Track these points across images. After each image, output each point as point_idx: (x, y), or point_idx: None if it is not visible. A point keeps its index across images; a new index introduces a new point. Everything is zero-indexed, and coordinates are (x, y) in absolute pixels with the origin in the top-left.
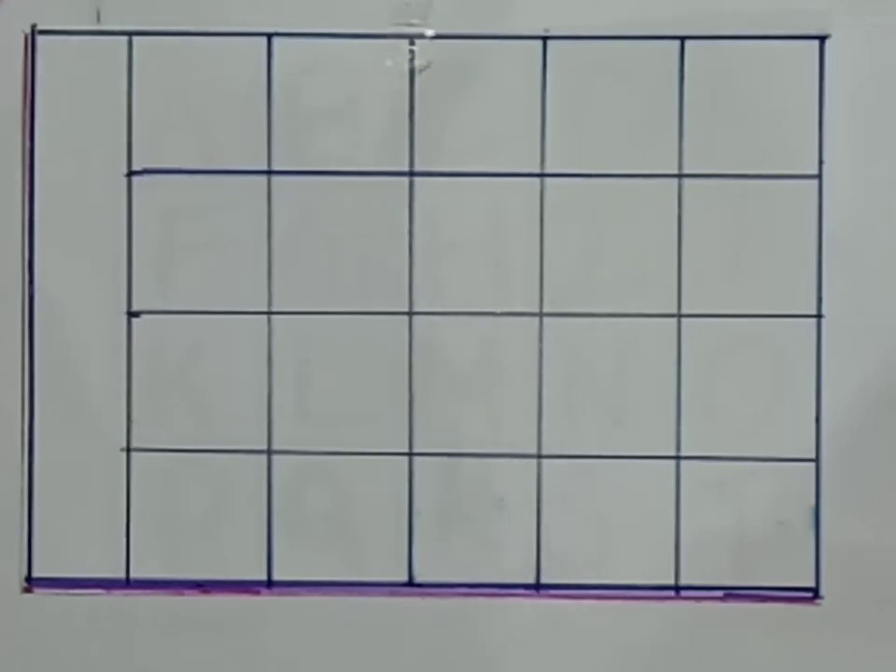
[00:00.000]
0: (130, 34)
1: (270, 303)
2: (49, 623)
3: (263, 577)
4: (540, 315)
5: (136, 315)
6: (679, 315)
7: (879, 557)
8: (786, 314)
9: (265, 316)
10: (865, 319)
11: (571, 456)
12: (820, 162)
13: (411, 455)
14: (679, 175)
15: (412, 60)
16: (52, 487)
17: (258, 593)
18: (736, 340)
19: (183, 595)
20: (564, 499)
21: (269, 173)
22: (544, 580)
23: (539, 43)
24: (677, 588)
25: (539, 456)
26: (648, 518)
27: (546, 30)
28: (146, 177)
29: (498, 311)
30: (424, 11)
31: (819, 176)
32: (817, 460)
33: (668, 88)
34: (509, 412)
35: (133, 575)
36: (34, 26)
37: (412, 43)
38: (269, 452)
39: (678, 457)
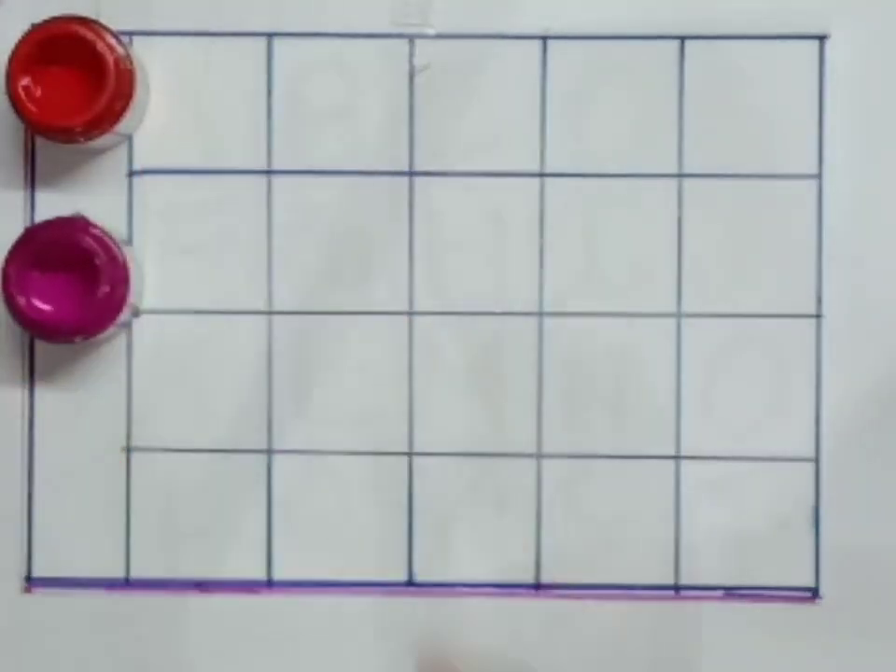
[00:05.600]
0: (130, 33)
1: (270, 303)
2: (49, 623)
3: (263, 577)
4: (540, 314)
5: (137, 314)
6: (679, 315)
7: (879, 557)
8: (786, 314)
9: (265, 316)
10: (865, 319)
11: (571, 456)
12: (820, 162)
13: (411, 454)
14: (679, 175)
15: (412, 60)
16: (52, 487)
17: (258, 593)
18: (736, 340)
19: (183, 595)
20: (564, 499)
21: (269, 173)
22: (544, 580)
23: (539, 43)
24: (677, 588)
25: (539, 456)
26: (648, 518)
27: (546, 30)
28: (146, 177)
29: (498, 311)
30: (424, 11)
31: (819, 176)
32: (817, 460)
33: (668, 88)
34: (509, 412)
35: (132, 575)
36: (34, 25)
37: (412, 43)
38: (269, 452)
39: (678, 457)
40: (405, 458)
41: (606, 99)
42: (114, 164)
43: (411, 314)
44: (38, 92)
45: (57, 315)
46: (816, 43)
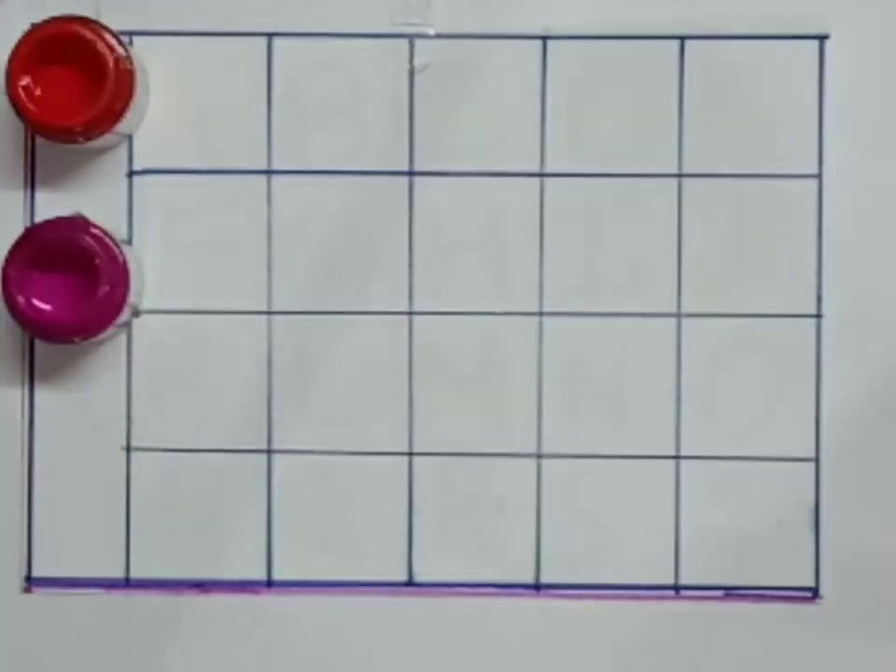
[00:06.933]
0: (130, 33)
1: (270, 303)
2: (49, 623)
3: (263, 577)
4: (540, 314)
5: (137, 314)
6: (679, 315)
7: (879, 557)
8: (786, 314)
9: (265, 316)
10: (865, 319)
11: (571, 456)
12: (820, 162)
13: (411, 454)
14: (679, 175)
15: (412, 60)
16: (52, 487)
17: (258, 593)
18: (736, 340)
19: (183, 595)
20: (564, 499)
21: (269, 173)
22: (544, 580)
23: (539, 43)
24: (677, 588)
25: (539, 456)
26: (648, 518)
27: (546, 30)
28: (146, 177)
29: (498, 311)
30: (424, 11)
31: (819, 176)
32: (816, 460)
33: (668, 88)
34: (509, 412)
35: (132, 575)
36: (34, 25)
37: (412, 43)
38: (269, 452)
39: (678, 457)
40: (405, 458)
41: (606, 99)
42: (114, 164)
43: (411, 314)
44: (38, 92)
45: (57, 315)
46: (816, 43)
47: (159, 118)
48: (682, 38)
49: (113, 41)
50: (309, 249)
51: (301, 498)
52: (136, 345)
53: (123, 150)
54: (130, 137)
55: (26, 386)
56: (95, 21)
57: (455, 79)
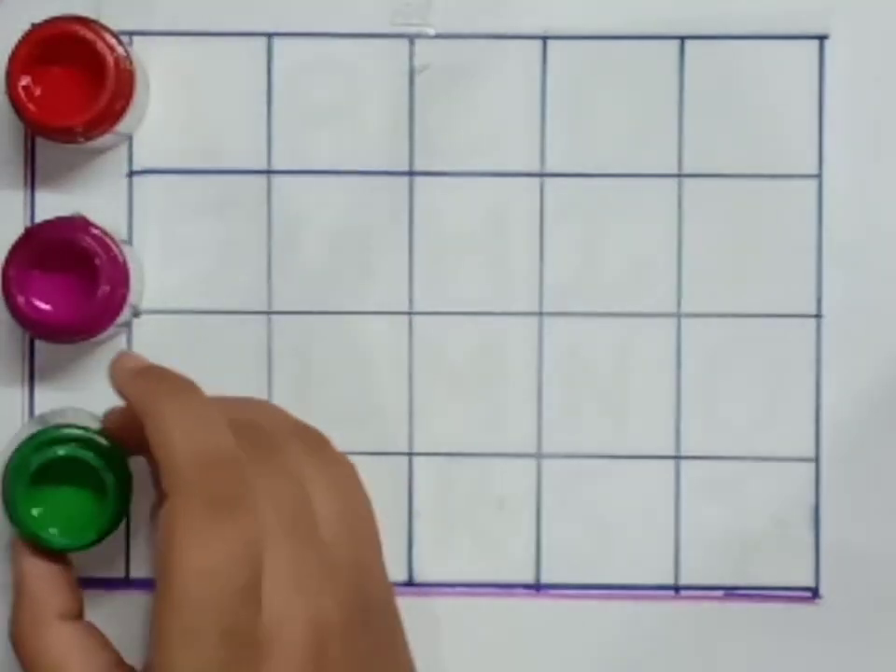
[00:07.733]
0: (130, 33)
1: (270, 303)
2: None
3: None
4: (540, 314)
5: (137, 314)
6: (679, 315)
7: (879, 557)
8: (786, 314)
9: (265, 316)
10: (865, 319)
11: (571, 456)
12: (820, 162)
13: (411, 454)
14: (679, 175)
15: (412, 60)
16: None
17: None
18: (736, 340)
19: None
20: (564, 499)
21: (269, 173)
22: (544, 580)
23: (539, 43)
24: (677, 588)
25: (539, 456)
26: (648, 518)
27: (546, 30)
28: (146, 177)
29: (498, 311)
30: (424, 11)
31: (819, 176)
32: (816, 460)
33: (668, 88)
34: (509, 411)
35: (133, 574)
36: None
37: (412, 43)
38: None
39: (678, 457)
40: (405, 458)
41: (606, 99)
42: (114, 164)
43: (411, 314)
44: (38, 92)
45: (57, 315)
46: (816, 43)
47: (159, 118)
48: (682, 38)
49: (113, 41)
50: (309, 249)
51: None
52: (136, 345)
53: (123, 150)
54: (130, 137)
55: (26, 386)
56: (95, 21)
57: (455, 79)
